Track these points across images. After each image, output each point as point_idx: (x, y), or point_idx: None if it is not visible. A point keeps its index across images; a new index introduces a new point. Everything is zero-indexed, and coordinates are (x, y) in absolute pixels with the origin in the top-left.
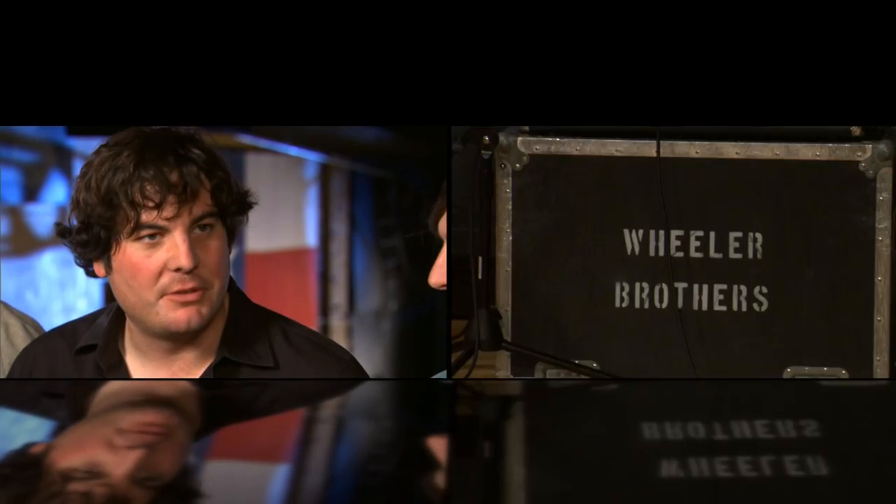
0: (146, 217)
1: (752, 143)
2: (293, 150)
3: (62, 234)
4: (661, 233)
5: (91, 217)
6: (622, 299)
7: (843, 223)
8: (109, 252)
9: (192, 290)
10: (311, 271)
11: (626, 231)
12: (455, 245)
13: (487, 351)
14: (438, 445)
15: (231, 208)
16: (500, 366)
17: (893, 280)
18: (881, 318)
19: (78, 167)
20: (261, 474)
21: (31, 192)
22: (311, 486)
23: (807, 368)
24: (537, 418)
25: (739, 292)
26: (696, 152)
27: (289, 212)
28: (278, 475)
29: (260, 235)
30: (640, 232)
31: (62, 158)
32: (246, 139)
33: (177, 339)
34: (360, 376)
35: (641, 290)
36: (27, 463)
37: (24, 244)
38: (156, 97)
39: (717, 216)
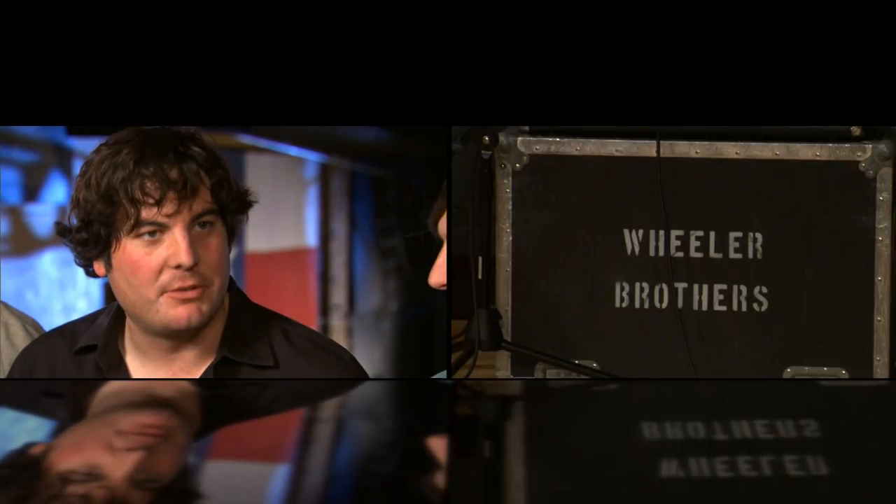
0: (146, 214)
1: (752, 143)
2: (293, 150)
3: (62, 232)
4: (661, 233)
5: (91, 215)
6: (622, 299)
7: (843, 223)
8: (109, 250)
9: (193, 288)
10: (311, 271)
11: (626, 231)
12: (455, 245)
13: (487, 351)
14: (438, 445)
15: (231, 206)
16: (500, 366)
17: (893, 280)
18: (881, 318)
19: (78, 167)
20: (261, 474)
21: (31, 192)
22: (311, 487)
23: (807, 368)
24: (537, 418)
25: (739, 292)
26: (696, 152)
27: (289, 212)
28: (278, 475)
29: (260, 235)
30: (640, 232)
31: (62, 158)
32: (246, 139)
33: (177, 337)
34: (360, 376)
35: (641, 290)
36: (26, 465)
37: (24, 244)
38: (155, 97)
39: (717, 216)
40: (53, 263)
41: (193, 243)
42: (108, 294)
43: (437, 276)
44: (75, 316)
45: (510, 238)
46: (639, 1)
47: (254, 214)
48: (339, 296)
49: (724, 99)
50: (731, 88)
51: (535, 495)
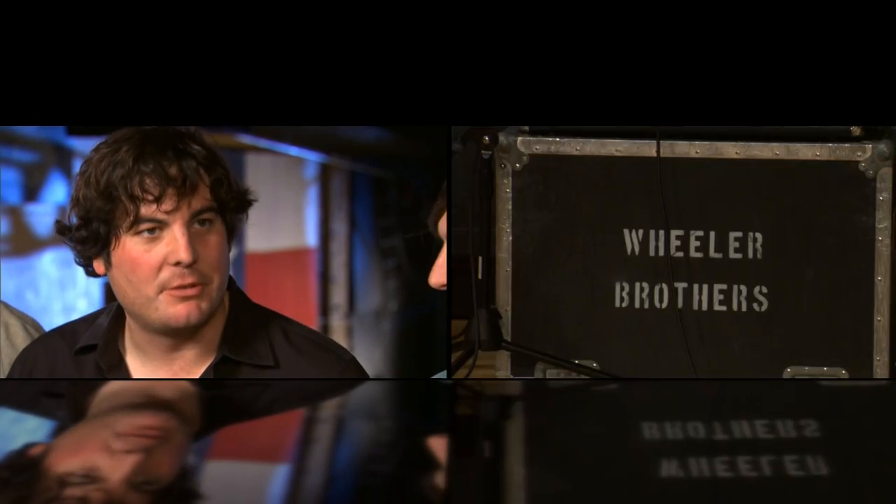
0: (145, 210)
1: (752, 143)
2: (293, 150)
3: (62, 231)
4: (661, 233)
5: (91, 212)
6: (622, 299)
7: (843, 223)
8: (109, 248)
9: (192, 286)
10: (311, 271)
11: (626, 231)
12: (455, 245)
13: (487, 351)
14: (438, 445)
15: (230, 204)
16: (500, 366)
17: (893, 280)
18: (881, 318)
19: (78, 167)
20: (261, 474)
21: (31, 192)
22: (311, 486)
23: (807, 368)
24: (537, 418)
25: (739, 292)
26: (696, 152)
27: (289, 212)
28: (278, 475)
29: (260, 235)
30: (640, 232)
31: (62, 158)
32: (246, 139)
33: (177, 335)
34: (360, 376)
35: (641, 290)
36: (24, 466)
37: (24, 244)
38: (155, 97)
39: (717, 216)
40: (53, 263)
41: (193, 240)
42: (108, 294)
43: (437, 276)
44: (75, 316)
45: (510, 238)
46: (638, 1)
47: (254, 214)
48: (339, 296)
49: (724, 99)
50: (730, 88)
51: (535, 495)
